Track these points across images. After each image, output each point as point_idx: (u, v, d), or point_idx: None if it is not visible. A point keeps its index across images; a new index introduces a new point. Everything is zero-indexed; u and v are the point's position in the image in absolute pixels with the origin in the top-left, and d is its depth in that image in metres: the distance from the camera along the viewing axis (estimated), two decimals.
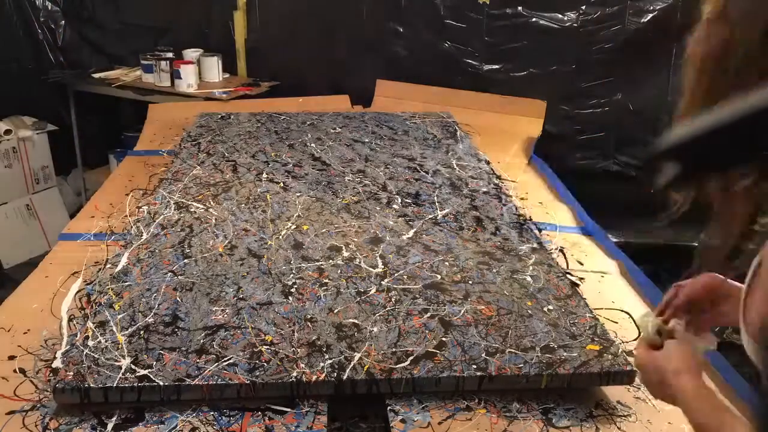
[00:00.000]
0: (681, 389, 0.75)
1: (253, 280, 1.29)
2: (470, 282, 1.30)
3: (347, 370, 1.04)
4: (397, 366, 1.05)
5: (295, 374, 1.03)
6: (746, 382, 1.14)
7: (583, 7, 2.60)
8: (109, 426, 0.98)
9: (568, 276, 1.38)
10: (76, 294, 1.32)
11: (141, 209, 1.63)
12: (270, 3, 3.06)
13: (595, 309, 1.25)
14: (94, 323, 1.14)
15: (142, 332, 1.12)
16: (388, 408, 1.02)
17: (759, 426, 0.66)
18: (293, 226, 1.52)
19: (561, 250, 1.59)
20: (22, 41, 3.31)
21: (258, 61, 3.15)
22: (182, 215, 1.56)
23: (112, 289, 1.25)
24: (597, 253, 1.60)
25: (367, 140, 2.12)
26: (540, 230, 1.66)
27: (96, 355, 1.06)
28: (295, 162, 1.92)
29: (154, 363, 1.04)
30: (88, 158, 3.43)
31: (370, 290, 1.26)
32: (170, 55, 3.04)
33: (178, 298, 1.22)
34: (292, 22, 3.04)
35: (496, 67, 2.77)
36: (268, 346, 1.09)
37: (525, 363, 1.07)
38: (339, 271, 1.33)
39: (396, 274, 1.32)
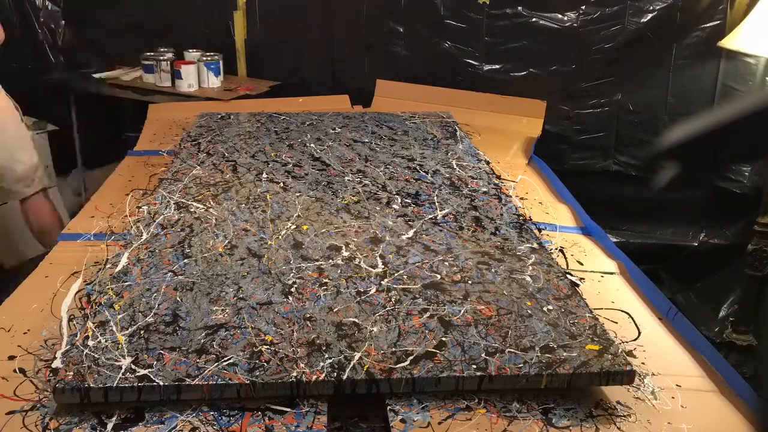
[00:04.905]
0: None
1: (253, 279, 1.29)
2: (470, 282, 1.30)
3: (347, 370, 1.04)
4: (397, 366, 1.05)
5: (295, 374, 1.03)
6: (746, 382, 1.14)
7: (583, 7, 2.60)
8: (109, 426, 0.98)
9: (567, 276, 1.38)
10: (76, 294, 1.32)
11: (141, 209, 1.63)
12: (270, 3, 3.06)
13: (595, 309, 1.25)
14: (94, 323, 1.14)
15: (142, 332, 1.12)
16: (388, 408, 1.02)
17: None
18: (293, 226, 1.52)
19: (561, 250, 1.59)
20: (22, 41, 3.32)
21: (258, 61, 3.15)
22: (182, 215, 1.56)
23: (112, 289, 1.25)
24: (597, 253, 1.60)
25: (366, 140, 2.12)
26: (540, 230, 1.66)
27: (96, 355, 1.06)
28: (295, 162, 1.92)
29: (155, 363, 1.04)
30: (88, 158, 3.44)
31: (370, 290, 1.26)
32: (171, 55, 3.04)
33: (178, 298, 1.22)
34: (292, 22, 3.04)
35: (496, 67, 2.76)
36: (268, 346, 1.09)
37: (525, 363, 1.07)
38: (339, 270, 1.33)
39: (396, 274, 1.32)
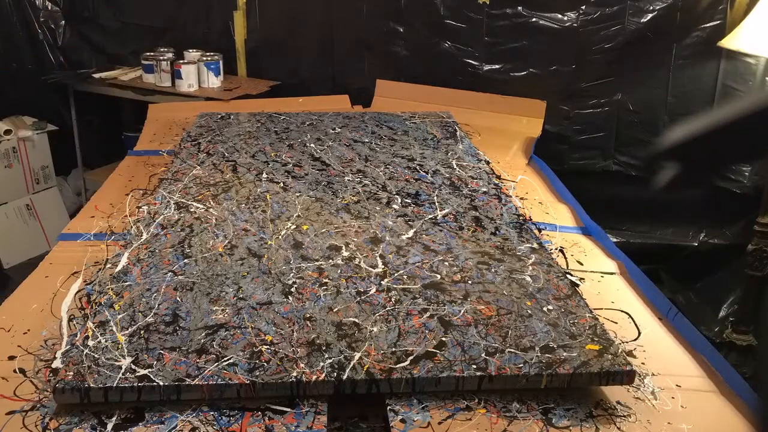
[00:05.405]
0: None
1: (253, 279, 1.29)
2: (470, 282, 1.30)
3: (347, 370, 1.04)
4: (397, 366, 1.05)
5: (295, 374, 1.03)
6: (746, 382, 1.14)
7: (583, 7, 2.60)
8: (109, 426, 0.98)
9: (567, 276, 1.38)
10: (76, 294, 1.32)
11: (141, 209, 1.63)
12: (270, 3, 3.06)
13: (594, 309, 1.25)
14: (94, 323, 1.14)
15: (142, 332, 1.12)
16: (388, 408, 1.02)
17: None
18: (293, 226, 1.52)
19: (561, 250, 1.59)
20: (22, 41, 3.32)
21: (258, 61, 3.16)
22: (182, 215, 1.56)
23: (112, 289, 1.25)
24: (597, 253, 1.60)
25: (366, 140, 2.12)
26: (540, 230, 1.66)
27: (96, 355, 1.06)
28: (295, 162, 1.92)
29: (155, 363, 1.04)
30: (88, 158, 3.44)
31: (370, 290, 1.26)
32: (171, 55, 3.04)
33: (178, 298, 1.22)
34: (292, 22, 3.04)
35: (496, 67, 2.76)
36: (268, 346, 1.09)
37: (525, 363, 1.07)
38: (339, 270, 1.33)
39: (396, 274, 1.32)
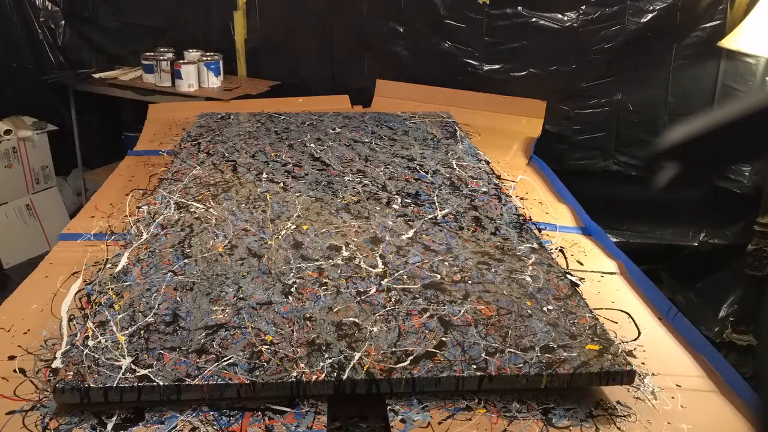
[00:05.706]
0: None
1: (253, 279, 1.29)
2: (470, 282, 1.30)
3: (347, 370, 1.04)
4: (397, 366, 1.05)
5: (294, 374, 1.03)
6: (746, 382, 1.14)
7: (583, 7, 2.60)
8: (109, 426, 0.98)
9: (567, 276, 1.38)
10: (76, 294, 1.32)
11: (141, 209, 1.63)
12: (270, 3, 3.06)
13: (594, 309, 1.25)
14: (94, 323, 1.14)
15: (142, 332, 1.12)
16: (388, 408, 1.02)
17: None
18: (293, 226, 1.52)
19: (561, 250, 1.59)
20: (22, 41, 3.32)
21: (258, 61, 3.16)
22: (182, 215, 1.56)
23: (112, 289, 1.25)
24: (597, 253, 1.60)
25: (366, 140, 2.12)
26: (540, 230, 1.66)
27: (96, 355, 1.06)
28: (295, 162, 1.92)
29: (155, 363, 1.04)
30: (88, 158, 3.44)
31: (370, 290, 1.26)
32: (171, 55, 3.04)
33: (178, 298, 1.22)
34: (292, 22, 3.04)
35: (496, 67, 2.76)
36: (268, 346, 1.09)
37: (525, 363, 1.07)
38: (339, 270, 1.33)
39: (396, 274, 1.32)
